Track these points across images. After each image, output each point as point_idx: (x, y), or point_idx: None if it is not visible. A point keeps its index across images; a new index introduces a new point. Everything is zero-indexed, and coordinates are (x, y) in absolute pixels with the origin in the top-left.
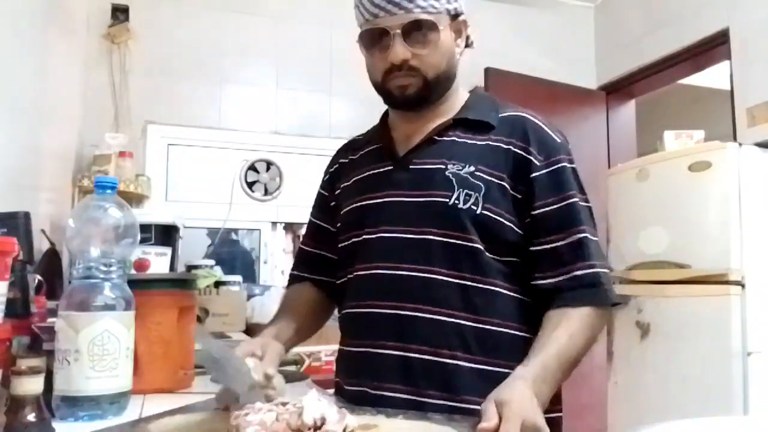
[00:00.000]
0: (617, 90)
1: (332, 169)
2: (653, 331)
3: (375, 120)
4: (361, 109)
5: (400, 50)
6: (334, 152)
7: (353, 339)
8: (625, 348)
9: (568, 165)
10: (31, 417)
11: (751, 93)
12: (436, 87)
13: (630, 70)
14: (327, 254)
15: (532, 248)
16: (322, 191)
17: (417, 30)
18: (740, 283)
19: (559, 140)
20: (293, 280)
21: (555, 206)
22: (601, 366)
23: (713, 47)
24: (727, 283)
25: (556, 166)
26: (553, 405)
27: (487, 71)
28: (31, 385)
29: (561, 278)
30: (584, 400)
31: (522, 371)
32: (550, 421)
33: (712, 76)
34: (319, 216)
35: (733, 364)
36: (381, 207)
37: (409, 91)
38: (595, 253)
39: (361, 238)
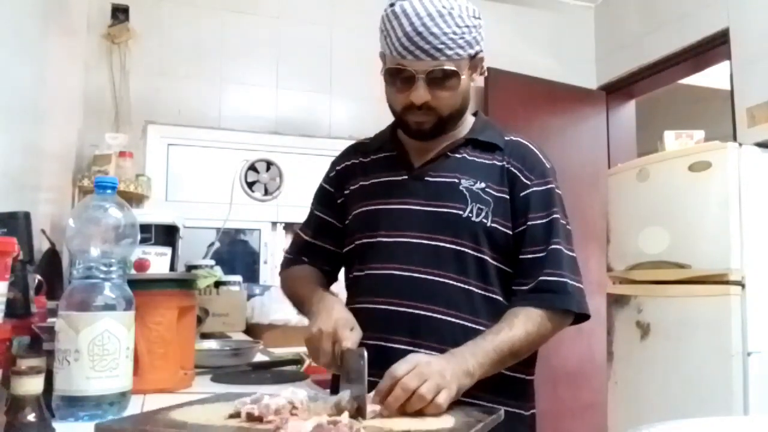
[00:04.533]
0: (617, 90)
1: (340, 167)
2: (653, 331)
3: (374, 120)
4: (361, 109)
5: (422, 94)
6: (334, 152)
7: (366, 332)
8: (625, 348)
9: (555, 188)
10: (31, 417)
11: (751, 93)
12: (450, 122)
13: (630, 70)
14: (329, 247)
15: (520, 256)
16: (327, 186)
17: (440, 76)
18: (740, 283)
19: (548, 166)
20: (291, 264)
21: (541, 221)
22: (601, 366)
23: (713, 47)
24: (727, 283)
25: (545, 187)
26: (526, 402)
27: (488, 71)
28: (31, 385)
29: (531, 284)
30: (584, 400)
31: (451, 351)
32: (521, 418)
33: (712, 76)
34: (322, 210)
35: (733, 364)
36: (396, 213)
37: (424, 127)
38: (566, 264)
39: (375, 240)
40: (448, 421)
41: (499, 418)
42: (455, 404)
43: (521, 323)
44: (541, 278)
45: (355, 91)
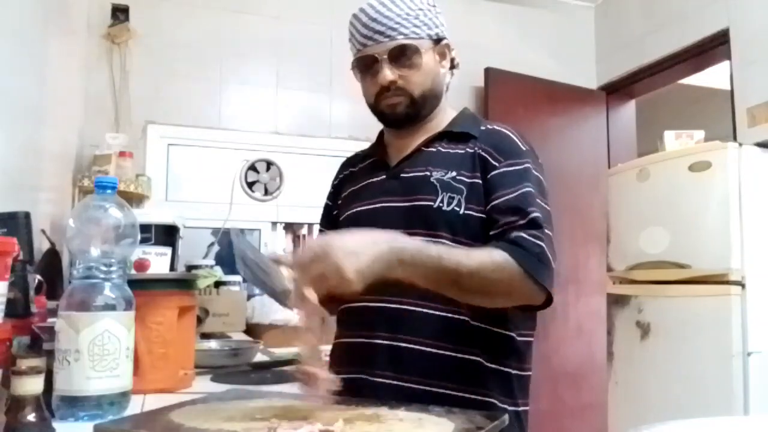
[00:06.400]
0: (617, 90)
1: (336, 182)
2: (653, 331)
3: (374, 120)
4: (361, 109)
5: (387, 73)
6: (334, 152)
7: (348, 331)
8: (625, 348)
9: (532, 168)
10: (31, 417)
11: (751, 93)
12: (423, 105)
13: (630, 70)
14: None
15: (490, 232)
16: (328, 202)
17: (402, 54)
18: (740, 283)
19: (524, 148)
20: None
21: (510, 195)
22: (601, 366)
23: (713, 47)
24: (727, 283)
25: (517, 167)
26: (521, 399)
27: (487, 71)
28: (31, 385)
29: (501, 229)
30: (584, 400)
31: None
32: (515, 415)
33: (712, 76)
34: (326, 226)
35: (733, 364)
36: (374, 212)
37: (398, 110)
38: (541, 234)
39: None
40: (447, 427)
41: (502, 423)
42: (455, 406)
43: (482, 256)
44: (518, 234)
45: (355, 91)
